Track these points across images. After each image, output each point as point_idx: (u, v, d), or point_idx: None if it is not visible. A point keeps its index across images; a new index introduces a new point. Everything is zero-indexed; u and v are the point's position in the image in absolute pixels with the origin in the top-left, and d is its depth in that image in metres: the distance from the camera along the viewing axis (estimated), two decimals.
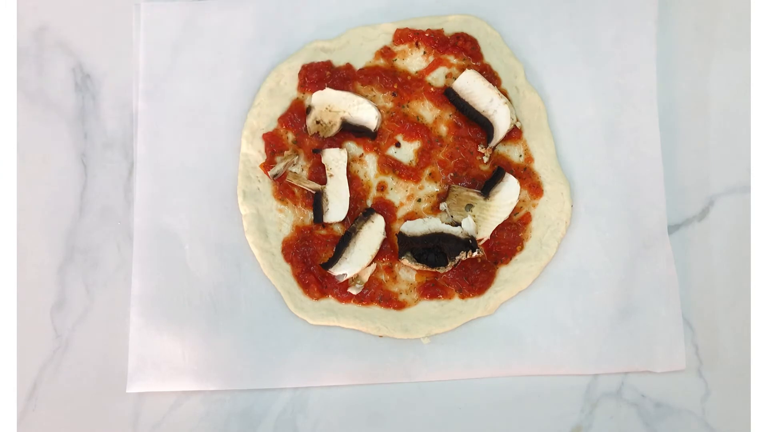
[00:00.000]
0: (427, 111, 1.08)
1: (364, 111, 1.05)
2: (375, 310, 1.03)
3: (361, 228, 1.03)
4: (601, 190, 1.06)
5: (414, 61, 1.09)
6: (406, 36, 1.08)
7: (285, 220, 1.06)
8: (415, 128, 1.07)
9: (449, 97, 1.07)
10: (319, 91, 1.05)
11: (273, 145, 1.06)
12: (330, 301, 1.04)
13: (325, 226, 1.06)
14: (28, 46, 1.11)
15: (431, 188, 1.07)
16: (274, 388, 1.03)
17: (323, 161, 1.05)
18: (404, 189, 1.07)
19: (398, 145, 1.08)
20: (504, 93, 1.07)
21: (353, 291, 1.03)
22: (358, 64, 1.09)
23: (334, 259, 1.02)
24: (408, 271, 1.05)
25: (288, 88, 1.08)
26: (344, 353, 1.03)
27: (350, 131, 1.07)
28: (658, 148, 1.06)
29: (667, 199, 1.05)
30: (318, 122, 1.06)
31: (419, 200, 1.06)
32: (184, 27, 1.09)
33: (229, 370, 1.02)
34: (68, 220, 1.07)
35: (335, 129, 1.06)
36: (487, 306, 1.03)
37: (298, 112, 1.07)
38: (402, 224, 1.04)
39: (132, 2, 1.10)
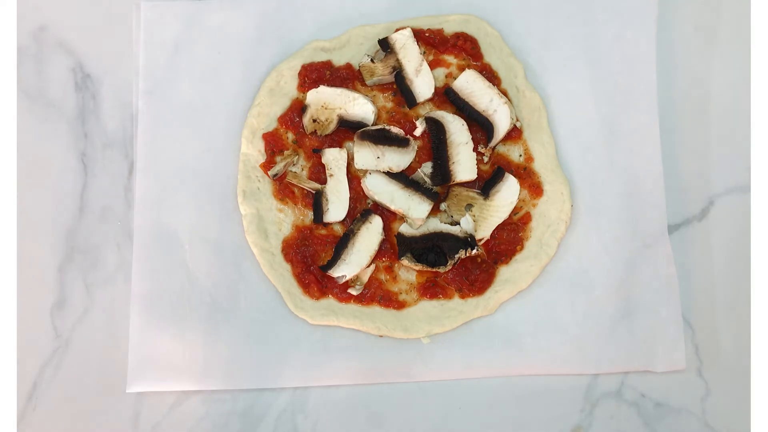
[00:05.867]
0: (427, 111, 1.08)
1: (360, 107, 1.05)
2: (375, 309, 1.03)
3: (359, 229, 1.03)
4: (601, 190, 1.06)
5: None
6: None
7: (285, 220, 1.06)
8: (416, 128, 1.07)
9: (449, 96, 1.07)
10: (314, 89, 1.05)
11: (273, 144, 1.06)
12: (330, 301, 1.04)
13: (325, 225, 1.06)
14: (28, 45, 1.11)
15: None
16: (274, 387, 1.03)
17: (323, 161, 1.05)
18: None
19: None
20: (504, 93, 1.07)
21: (353, 292, 1.03)
22: (358, 64, 1.09)
23: (333, 261, 1.02)
24: (408, 271, 1.05)
25: (288, 88, 1.08)
26: (344, 353, 1.03)
27: (348, 128, 1.07)
28: (658, 148, 1.06)
29: (667, 199, 1.05)
30: (315, 120, 1.06)
31: None
32: (184, 27, 1.09)
33: (229, 369, 1.02)
34: (68, 220, 1.07)
35: (332, 126, 1.06)
36: (487, 306, 1.03)
37: (298, 112, 1.07)
38: (401, 224, 1.04)
39: (132, 2, 1.10)
